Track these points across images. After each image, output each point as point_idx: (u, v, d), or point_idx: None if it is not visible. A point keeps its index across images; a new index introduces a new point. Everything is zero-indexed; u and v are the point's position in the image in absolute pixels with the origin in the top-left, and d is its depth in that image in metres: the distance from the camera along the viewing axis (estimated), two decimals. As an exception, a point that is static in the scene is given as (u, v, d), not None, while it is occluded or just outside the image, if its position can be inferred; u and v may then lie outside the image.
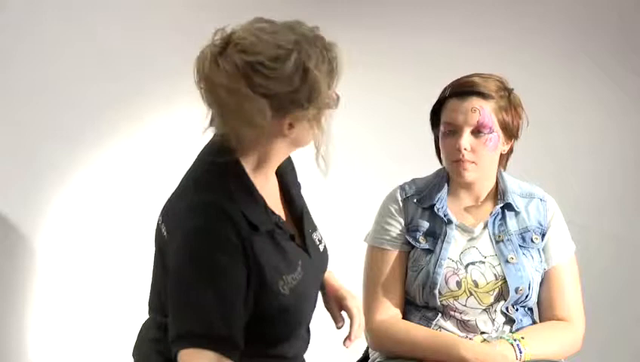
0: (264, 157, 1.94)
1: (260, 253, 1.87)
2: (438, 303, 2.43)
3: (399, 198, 2.53)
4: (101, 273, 3.14)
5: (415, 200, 2.52)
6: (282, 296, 1.89)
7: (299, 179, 2.15)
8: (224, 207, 1.86)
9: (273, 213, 1.94)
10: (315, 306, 2.05)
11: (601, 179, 3.49)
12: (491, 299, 2.43)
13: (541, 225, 2.50)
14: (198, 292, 1.80)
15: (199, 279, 1.81)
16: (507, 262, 2.44)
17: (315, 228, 2.10)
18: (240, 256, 1.84)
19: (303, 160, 2.05)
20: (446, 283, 2.42)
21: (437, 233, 2.47)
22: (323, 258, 2.11)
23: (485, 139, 2.43)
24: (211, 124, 1.94)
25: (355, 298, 2.16)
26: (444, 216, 2.48)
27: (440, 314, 2.44)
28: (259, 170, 1.95)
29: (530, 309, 2.52)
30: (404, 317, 2.48)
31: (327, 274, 2.17)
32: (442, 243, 2.45)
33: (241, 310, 1.83)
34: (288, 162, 2.09)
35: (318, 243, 2.08)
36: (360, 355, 2.59)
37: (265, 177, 1.96)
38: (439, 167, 2.56)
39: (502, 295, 2.43)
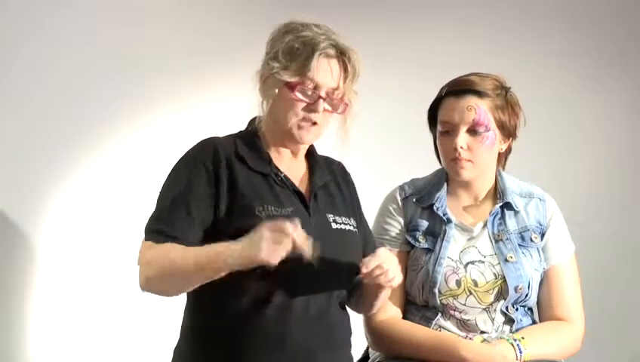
0: (275, 132, 2.25)
1: (240, 179, 2.17)
2: (438, 302, 2.43)
3: (398, 198, 2.53)
4: (101, 273, 3.14)
5: (414, 200, 2.52)
6: (258, 217, 2.12)
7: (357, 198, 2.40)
8: (214, 142, 2.23)
9: (278, 168, 2.23)
10: (305, 273, 2.10)
11: (600, 179, 3.49)
12: (491, 298, 2.43)
13: (540, 224, 2.50)
14: (159, 200, 2.20)
15: (164, 190, 2.21)
16: (506, 261, 2.44)
17: (338, 213, 2.29)
18: (208, 177, 2.16)
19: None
20: (446, 282, 2.43)
21: (436, 232, 2.47)
22: (329, 233, 2.22)
23: (482, 138, 2.43)
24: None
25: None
26: (443, 215, 2.48)
27: (440, 314, 2.44)
28: (275, 144, 2.27)
29: (530, 309, 2.52)
30: (404, 317, 2.48)
31: None
32: (442, 242, 2.46)
33: (195, 212, 2.14)
34: (343, 176, 2.38)
35: (331, 220, 2.26)
36: (360, 355, 2.59)
37: (278, 152, 2.27)
38: (438, 166, 2.56)
39: (501, 294, 2.43)
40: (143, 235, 2.17)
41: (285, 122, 2.22)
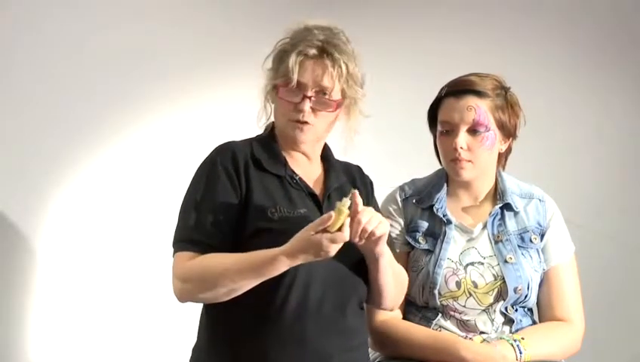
0: (280, 133, 2.29)
1: (255, 182, 2.20)
2: (438, 303, 2.43)
3: (398, 199, 2.53)
4: (101, 273, 3.14)
5: (414, 201, 2.52)
6: (270, 219, 2.16)
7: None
8: (231, 146, 2.26)
9: (293, 171, 2.26)
10: (322, 273, 2.17)
11: (600, 179, 3.48)
12: (490, 300, 2.43)
13: (540, 225, 2.50)
14: (184, 209, 2.21)
15: (187, 198, 2.22)
16: (505, 262, 2.44)
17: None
18: (229, 180, 2.19)
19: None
20: (445, 283, 2.43)
21: (436, 233, 2.47)
22: None
23: (482, 138, 2.43)
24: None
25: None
26: (443, 216, 2.48)
27: (440, 314, 2.45)
28: (288, 147, 2.29)
29: (530, 310, 2.52)
30: (404, 318, 2.48)
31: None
32: (442, 243, 2.45)
33: (224, 219, 2.17)
34: (361, 178, 2.40)
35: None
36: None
37: (293, 155, 2.29)
38: (439, 167, 2.56)
39: (501, 295, 2.43)
40: (174, 246, 2.18)
41: (281, 123, 2.27)
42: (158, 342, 3.15)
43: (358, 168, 2.44)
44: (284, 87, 2.22)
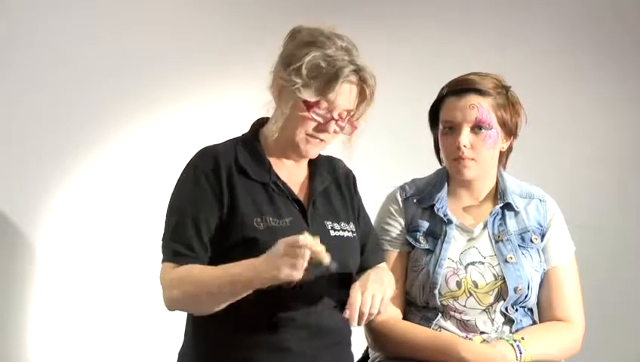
0: (280, 141, 2.24)
1: (240, 191, 2.17)
2: (438, 303, 2.43)
3: (399, 199, 2.53)
4: (101, 273, 3.15)
5: (415, 201, 2.52)
6: (256, 229, 2.15)
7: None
8: (215, 151, 2.22)
9: (278, 176, 2.23)
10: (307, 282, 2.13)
11: (600, 179, 3.49)
12: (491, 299, 2.43)
13: (541, 225, 2.50)
14: (168, 219, 2.20)
15: (171, 208, 2.21)
16: (506, 261, 2.44)
17: (335, 219, 2.29)
18: (211, 189, 2.16)
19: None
20: (446, 283, 2.42)
21: (437, 233, 2.47)
22: (328, 241, 2.17)
23: (484, 136, 2.43)
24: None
25: (361, 282, 2.17)
26: (444, 215, 2.48)
27: (440, 314, 2.44)
28: (278, 150, 2.26)
29: (530, 310, 2.52)
30: (404, 318, 2.48)
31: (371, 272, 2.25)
32: (442, 243, 2.45)
33: (204, 227, 2.15)
34: (344, 177, 2.37)
35: (329, 227, 2.26)
36: (360, 355, 2.59)
37: (281, 160, 2.27)
38: (439, 167, 2.56)
39: (501, 295, 2.43)
40: (162, 253, 2.19)
41: (293, 135, 2.22)
42: (158, 342, 3.15)
43: (341, 163, 2.41)
44: (316, 106, 2.18)
